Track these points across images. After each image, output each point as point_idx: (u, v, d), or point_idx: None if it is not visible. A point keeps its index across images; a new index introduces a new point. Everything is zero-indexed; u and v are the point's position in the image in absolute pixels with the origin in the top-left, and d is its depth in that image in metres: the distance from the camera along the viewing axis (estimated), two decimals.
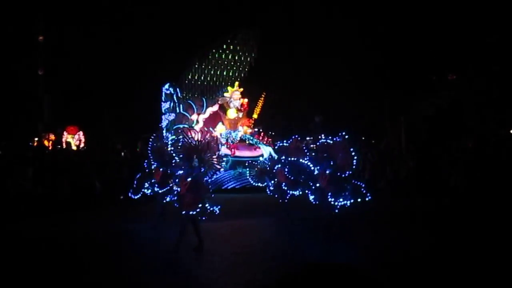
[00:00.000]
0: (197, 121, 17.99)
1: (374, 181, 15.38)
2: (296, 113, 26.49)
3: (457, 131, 17.87)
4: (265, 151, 17.22)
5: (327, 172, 8.24)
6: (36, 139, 21.00)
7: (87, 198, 12.29)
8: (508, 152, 12.65)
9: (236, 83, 18.30)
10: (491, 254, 6.75)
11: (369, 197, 8.36)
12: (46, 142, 21.23)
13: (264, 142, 17.48)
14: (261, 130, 18.46)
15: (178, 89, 18.48)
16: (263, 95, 19.26)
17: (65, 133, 24.04)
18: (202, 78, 18.67)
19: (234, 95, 17.98)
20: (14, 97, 20.36)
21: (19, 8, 21.60)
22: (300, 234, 9.08)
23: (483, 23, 19.13)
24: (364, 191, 8.41)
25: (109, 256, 7.29)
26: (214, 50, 18.34)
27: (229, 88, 18.22)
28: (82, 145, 23.71)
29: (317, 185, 8.42)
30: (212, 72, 18.64)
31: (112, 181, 13.27)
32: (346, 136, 8.59)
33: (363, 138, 26.06)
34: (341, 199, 8.02)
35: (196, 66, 18.48)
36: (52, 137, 22.25)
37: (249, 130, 17.97)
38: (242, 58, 18.54)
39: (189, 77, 18.59)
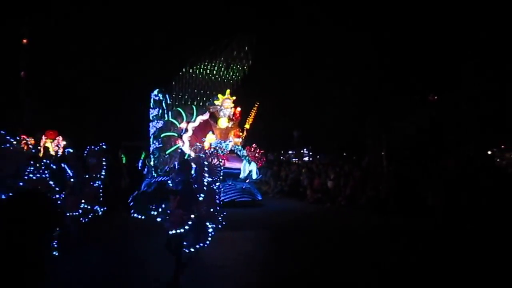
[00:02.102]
0: (186, 130, 17.16)
1: (355, 198, 15.56)
2: (279, 127, 26.66)
3: (436, 151, 18.17)
4: (245, 168, 16.60)
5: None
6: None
7: None
8: (487, 173, 12.90)
9: (228, 91, 17.67)
10: (468, 275, 6.86)
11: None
12: (25, 147, 20.81)
13: (251, 157, 16.85)
14: (253, 144, 17.65)
15: (167, 96, 17.76)
16: (256, 105, 18.77)
17: (43, 137, 23.57)
18: (193, 85, 18.01)
19: (224, 103, 17.33)
20: None
21: (3, 10, 21.30)
22: (281, 248, 9.11)
23: (464, 45, 19.63)
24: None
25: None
26: (206, 56, 17.75)
27: (219, 96, 17.57)
28: (60, 150, 23.24)
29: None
30: (203, 79, 18.01)
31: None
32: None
33: (344, 154, 26.37)
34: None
35: (187, 72, 17.84)
36: (31, 141, 21.84)
37: (240, 141, 17.32)
38: (236, 66, 18.00)
39: (179, 83, 17.88)
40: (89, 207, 7.93)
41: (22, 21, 19.10)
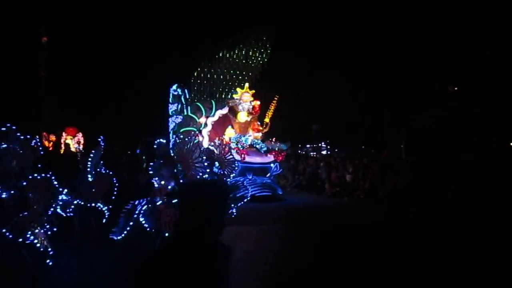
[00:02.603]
0: (206, 124, 17.08)
1: (374, 192, 15.43)
2: (297, 120, 26.56)
3: (457, 143, 17.89)
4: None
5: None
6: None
7: None
8: (508, 166, 12.66)
9: (246, 85, 17.51)
10: (486, 270, 6.75)
11: None
12: (46, 143, 21.22)
13: (271, 152, 16.58)
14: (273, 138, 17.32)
15: (186, 91, 17.69)
16: (276, 98, 18.40)
17: (64, 134, 23.95)
18: (212, 79, 17.87)
19: (243, 97, 17.15)
20: (16, 97, 20.40)
21: (24, 9, 21.66)
22: (300, 242, 9.10)
23: (483, 35, 19.22)
24: None
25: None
26: (225, 50, 17.58)
27: (238, 89, 17.43)
28: (81, 147, 23.56)
29: None
30: (222, 73, 17.86)
31: None
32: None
33: (363, 147, 26.18)
34: None
35: (206, 66, 17.72)
36: (52, 138, 22.24)
37: (260, 135, 17.06)
38: (255, 59, 17.81)
39: (198, 78, 17.79)
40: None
41: (41, 20, 19.42)
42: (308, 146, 31.64)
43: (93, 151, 8.06)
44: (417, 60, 20.72)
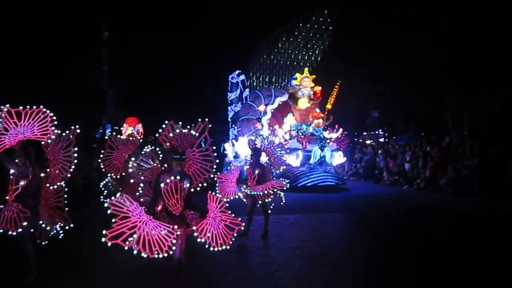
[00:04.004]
0: (265, 112, 16.82)
1: (434, 180, 14.92)
2: (351, 107, 25.90)
3: None
4: (315, 153, 15.43)
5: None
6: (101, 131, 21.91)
7: None
8: None
9: (306, 69, 16.82)
10: None
11: None
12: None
13: (334, 140, 15.86)
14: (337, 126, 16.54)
15: (245, 78, 17.37)
16: (338, 84, 17.76)
17: (125, 125, 24.80)
18: (271, 65, 17.39)
19: (303, 82, 16.42)
20: (81, 91, 21.39)
21: (86, 5, 22.60)
22: (359, 230, 9.01)
23: None
24: None
25: None
26: (284, 34, 17.02)
27: (297, 74, 16.73)
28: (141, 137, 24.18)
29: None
30: (281, 59, 17.32)
31: None
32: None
33: (423, 134, 25.21)
34: None
35: (264, 52, 17.19)
36: (116, 129, 23.16)
37: (321, 122, 16.16)
38: (315, 42, 17.09)
39: (257, 64, 17.38)
40: None
41: (103, 15, 20.21)
42: (364, 134, 30.94)
43: None
44: (482, 41, 19.54)
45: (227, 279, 5.68)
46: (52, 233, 5.27)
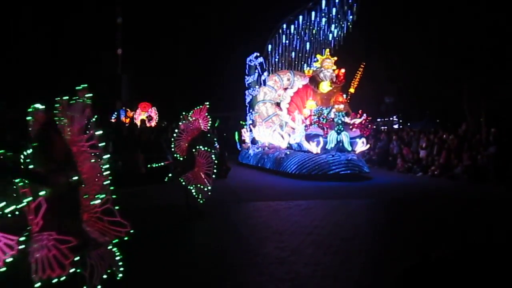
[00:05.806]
0: (284, 97, 16.13)
1: (449, 167, 14.74)
2: (365, 92, 25.61)
3: None
4: (332, 137, 14.22)
5: None
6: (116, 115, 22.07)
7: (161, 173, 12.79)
8: None
9: (327, 50, 15.67)
10: None
11: None
12: (124, 119, 22.32)
13: (356, 125, 14.77)
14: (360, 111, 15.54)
15: (263, 61, 16.66)
16: (362, 66, 16.89)
17: (138, 110, 24.89)
18: (290, 47, 16.54)
19: (325, 64, 15.25)
20: (95, 76, 21.56)
21: None
22: (372, 217, 8.98)
23: None
24: None
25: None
26: (304, 14, 16.22)
27: (318, 56, 15.64)
28: (153, 122, 24.00)
29: None
30: (301, 40, 16.45)
31: None
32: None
33: (438, 121, 24.88)
34: None
35: (284, 33, 16.34)
36: (130, 114, 23.35)
37: (343, 107, 14.92)
38: (337, 22, 16.25)
39: (276, 46, 16.55)
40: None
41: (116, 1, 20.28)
42: (378, 120, 30.66)
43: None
44: (501, 26, 19.06)
45: (240, 263, 5.72)
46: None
